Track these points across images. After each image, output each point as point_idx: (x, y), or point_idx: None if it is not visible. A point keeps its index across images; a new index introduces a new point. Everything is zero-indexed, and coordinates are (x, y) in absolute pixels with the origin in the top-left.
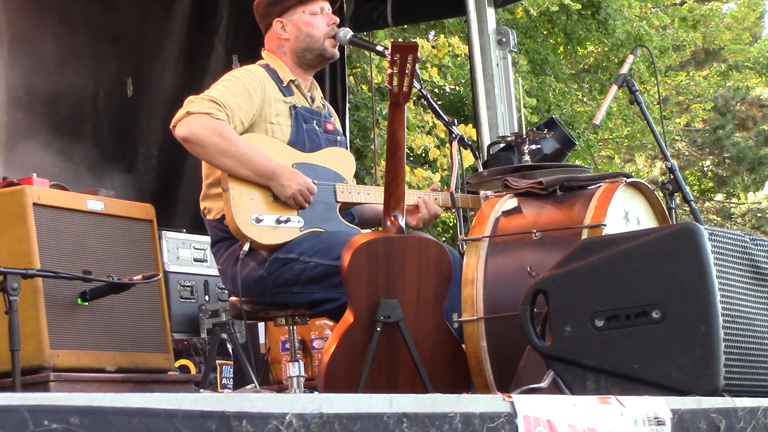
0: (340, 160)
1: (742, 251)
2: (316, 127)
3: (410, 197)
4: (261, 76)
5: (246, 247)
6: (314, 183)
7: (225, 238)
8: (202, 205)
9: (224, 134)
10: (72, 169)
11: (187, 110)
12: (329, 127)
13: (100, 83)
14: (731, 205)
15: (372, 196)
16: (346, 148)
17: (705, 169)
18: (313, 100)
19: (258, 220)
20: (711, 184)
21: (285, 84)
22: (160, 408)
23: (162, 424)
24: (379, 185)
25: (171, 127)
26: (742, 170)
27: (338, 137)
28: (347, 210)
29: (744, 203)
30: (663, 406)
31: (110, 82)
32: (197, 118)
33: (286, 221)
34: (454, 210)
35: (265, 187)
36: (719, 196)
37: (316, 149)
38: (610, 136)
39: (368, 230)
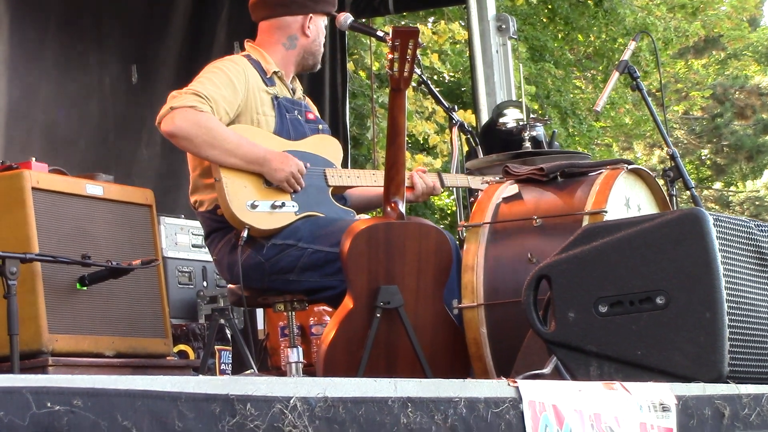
0: (327, 146)
1: (747, 237)
2: (299, 117)
3: None
4: (244, 65)
5: (244, 233)
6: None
7: (218, 228)
8: (193, 198)
9: (209, 126)
10: (76, 155)
11: (171, 105)
12: (310, 116)
13: (105, 70)
14: (729, 193)
15: (362, 179)
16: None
17: (703, 157)
18: (294, 92)
19: (253, 206)
20: (709, 173)
21: (268, 75)
22: (164, 390)
23: (165, 407)
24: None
25: (156, 124)
26: (741, 159)
27: (320, 125)
28: (339, 195)
29: (742, 192)
30: (668, 392)
31: (115, 69)
32: (181, 113)
33: (281, 206)
34: (454, 197)
35: (256, 174)
36: (717, 185)
37: (301, 138)
38: (606, 124)
39: (366, 216)
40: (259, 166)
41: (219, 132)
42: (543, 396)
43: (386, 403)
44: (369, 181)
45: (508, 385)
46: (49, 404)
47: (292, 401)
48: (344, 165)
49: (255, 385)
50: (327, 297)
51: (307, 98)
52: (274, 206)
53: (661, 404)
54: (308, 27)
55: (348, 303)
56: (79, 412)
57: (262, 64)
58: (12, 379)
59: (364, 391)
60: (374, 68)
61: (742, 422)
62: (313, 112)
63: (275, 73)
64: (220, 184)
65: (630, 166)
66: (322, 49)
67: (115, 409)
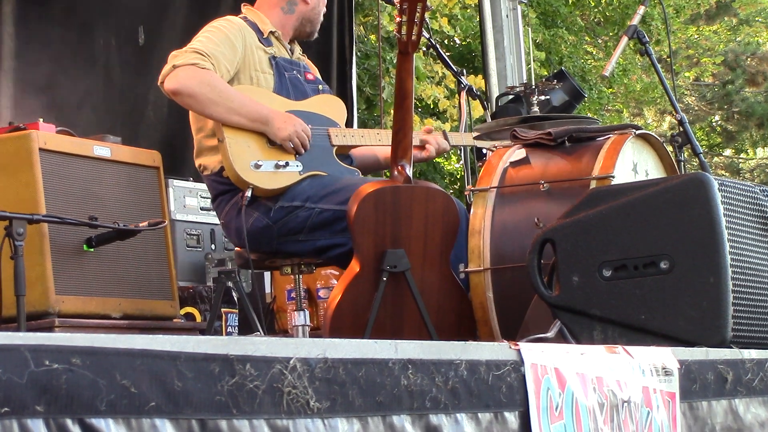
0: (331, 106)
1: (753, 202)
2: (298, 76)
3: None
4: (240, 25)
5: (248, 193)
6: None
7: (225, 191)
8: (197, 162)
9: (212, 82)
10: (83, 116)
11: (173, 64)
12: (309, 77)
13: (111, 31)
14: (739, 160)
15: (366, 139)
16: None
17: (714, 124)
18: (292, 52)
19: (257, 166)
20: (719, 140)
21: (265, 35)
22: (163, 350)
23: (165, 366)
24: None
25: (159, 83)
26: (751, 125)
27: (320, 86)
28: (344, 155)
29: (752, 158)
30: (670, 356)
31: (122, 30)
32: (184, 70)
33: (285, 165)
34: (463, 162)
35: (259, 134)
36: (728, 152)
37: (302, 97)
38: (615, 90)
39: (371, 177)
40: (263, 124)
41: (222, 89)
42: (545, 359)
43: (387, 365)
44: (373, 140)
45: (510, 347)
46: (47, 362)
47: (291, 362)
48: (352, 126)
49: (255, 345)
50: (337, 255)
51: (306, 59)
52: (277, 166)
53: (664, 368)
54: None
55: (354, 266)
56: (78, 371)
57: (259, 25)
58: (10, 336)
59: (364, 353)
60: (388, 30)
61: (744, 387)
62: (313, 72)
63: (272, 33)
64: (224, 145)
65: (638, 132)
66: (321, 18)
67: (114, 368)
